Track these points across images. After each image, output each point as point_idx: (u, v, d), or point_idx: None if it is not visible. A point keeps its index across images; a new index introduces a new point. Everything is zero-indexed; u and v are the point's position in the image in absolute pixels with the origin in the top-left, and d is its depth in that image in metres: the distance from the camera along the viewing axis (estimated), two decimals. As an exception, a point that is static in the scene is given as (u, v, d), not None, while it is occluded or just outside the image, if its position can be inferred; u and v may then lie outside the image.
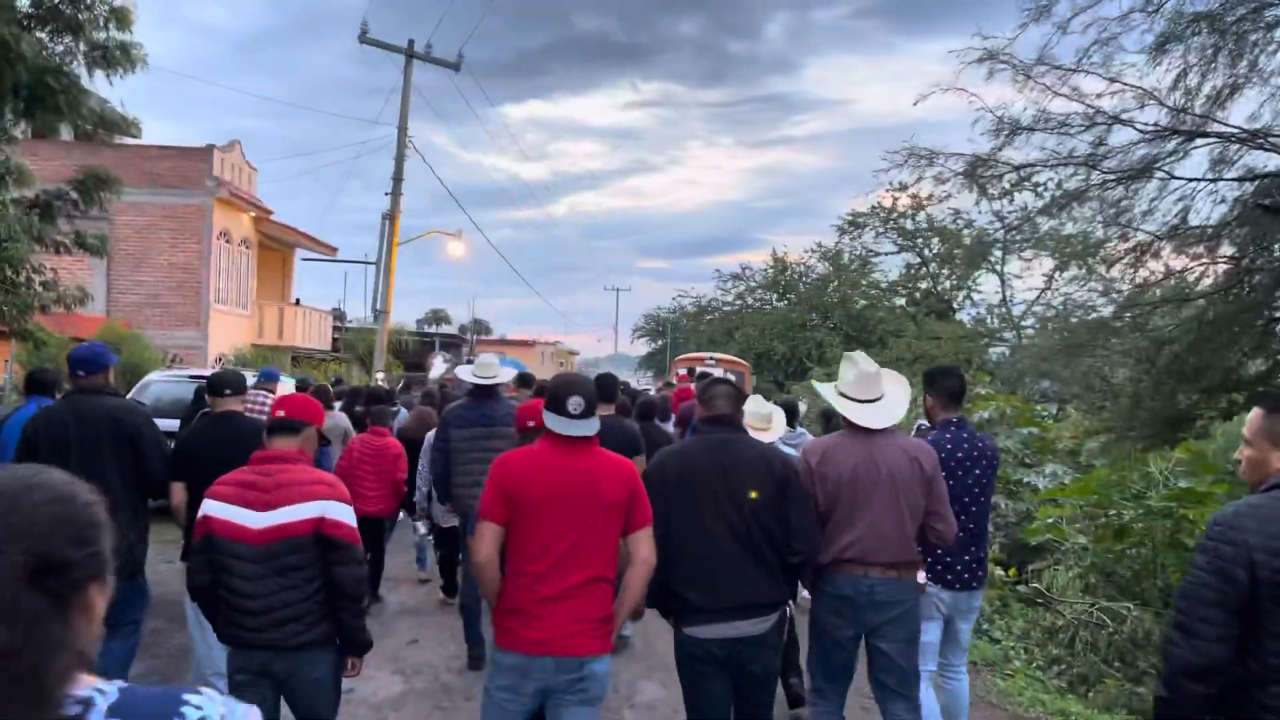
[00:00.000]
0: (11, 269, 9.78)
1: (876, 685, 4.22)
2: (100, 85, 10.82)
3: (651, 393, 12.40)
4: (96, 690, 1.11)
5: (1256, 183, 5.72)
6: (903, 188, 24.36)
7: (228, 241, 23.43)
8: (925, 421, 5.38)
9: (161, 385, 12.08)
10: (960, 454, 4.62)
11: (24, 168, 10.46)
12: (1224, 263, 6.42)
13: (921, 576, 4.33)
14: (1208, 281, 6.79)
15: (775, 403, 7.43)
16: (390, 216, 23.45)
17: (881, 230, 32.83)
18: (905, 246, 32.98)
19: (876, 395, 4.22)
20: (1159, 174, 6.03)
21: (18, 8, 9.52)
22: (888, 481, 4.04)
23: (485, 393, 6.41)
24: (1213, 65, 6.39)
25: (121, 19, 10.49)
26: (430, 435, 7.98)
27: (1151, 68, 6.57)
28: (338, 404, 10.15)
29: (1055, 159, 6.13)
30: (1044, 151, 6.17)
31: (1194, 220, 6.17)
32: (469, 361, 13.84)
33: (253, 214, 24.81)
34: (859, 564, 4.03)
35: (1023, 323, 25.22)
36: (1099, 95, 6.19)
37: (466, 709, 5.72)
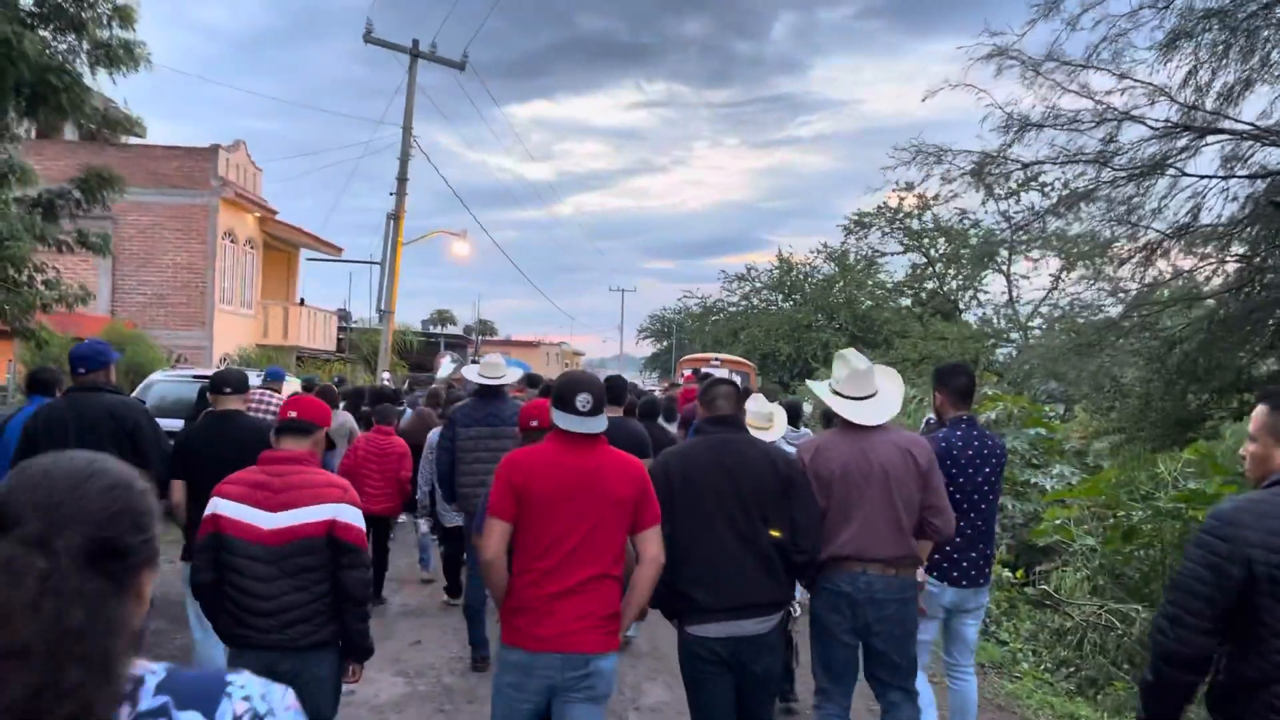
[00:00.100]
0: (14, 268, 9.75)
1: (873, 679, 4.23)
2: (105, 85, 10.81)
3: (656, 393, 12.37)
4: (147, 670, 1.15)
5: (1269, 180, 5.65)
6: (909, 187, 24.36)
7: (232, 241, 23.42)
8: (933, 416, 5.35)
9: (165, 385, 12.05)
10: (971, 451, 4.63)
11: (27, 166, 10.43)
12: (1235, 262, 6.34)
13: (920, 574, 4.32)
14: (1217, 281, 6.70)
15: (780, 403, 7.41)
16: (395, 216, 23.44)
17: (887, 230, 32.78)
18: (911, 246, 32.91)
19: (870, 392, 4.23)
20: (1170, 172, 5.94)
21: (20, 6, 9.49)
22: (880, 476, 4.04)
23: (491, 392, 6.40)
24: (1224, 62, 6.31)
25: (124, 17, 10.47)
26: (433, 435, 7.96)
27: (1162, 64, 6.50)
28: (341, 404, 10.11)
29: (1065, 156, 6.06)
30: (1054, 149, 6.11)
31: (1205, 219, 6.10)
32: (475, 362, 13.81)
33: (258, 214, 24.81)
34: (856, 560, 4.04)
35: (1029, 323, 25.11)
36: (1109, 92, 6.13)
37: (469, 711, 5.67)
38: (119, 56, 10.36)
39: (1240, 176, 5.72)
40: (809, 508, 3.91)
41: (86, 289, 11.27)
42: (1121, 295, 7.92)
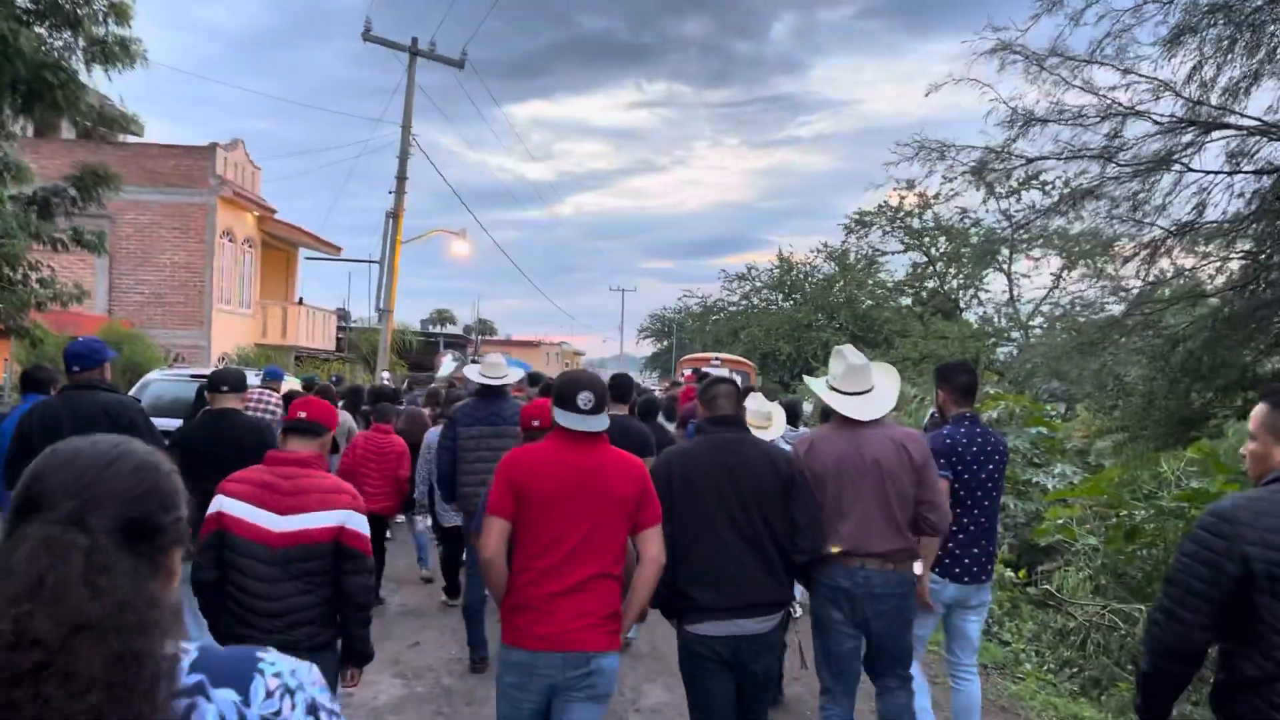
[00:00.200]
0: (8, 266, 9.69)
1: (869, 668, 4.26)
2: (102, 83, 10.75)
3: (656, 393, 12.34)
4: (180, 649, 1.16)
5: (1276, 175, 5.59)
6: (910, 185, 24.29)
7: (231, 240, 23.36)
8: (936, 411, 5.33)
9: (162, 384, 11.96)
10: (975, 448, 4.64)
11: (22, 164, 10.38)
12: (1239, 258, 6.28)
13: (917, 568, 4.31)
14: (1221, 279, 6.64)
15: (779, 403, 7.37)
16: (394, 214, 23.39)
17: (888, 229, 32.71)
18: (912, 245, 32.84)
19: (866, 388, 4.24)
20: (1175, 168, 5.88)
21: (16, 3, 9.43)
22: (873, 470, 4.06)
23: (493, 392, 6.37)
24: (1229, 57, 6.25)
25: (120, 14, 10.41)
26: (430, 434, 7.91)
27: (1166, 60, 6.44)
28: (340, 402, 10.05)
29: (1070, 152, 6.00)
30: (1058, 144, 6.04)
31: (1210, 215, 6.04)
32: (474, 361, 13.75)
33: (256, 213, 24.75)
34: (854, 555, 4.05)
35: (1030, 322, 25.05)
36: (1113, 88, 6.06)
37: (467, 713, 5.62)
38: (115, 53, 10.30)
39: (1246, 172, 5.66)
40: (809, 507, 3.91)
41: (81, 287, 11.20)
42: (1123, 294, 7.86)
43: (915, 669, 4.60)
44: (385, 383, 16.62)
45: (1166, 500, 8.67)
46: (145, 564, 1.13)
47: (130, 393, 10.71)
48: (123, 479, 1.15)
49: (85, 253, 11.29)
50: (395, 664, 6.43)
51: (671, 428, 8.58)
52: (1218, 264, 6.22)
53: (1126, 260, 6.17)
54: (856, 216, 33.64)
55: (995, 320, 28.38)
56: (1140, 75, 6.05)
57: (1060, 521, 9.40)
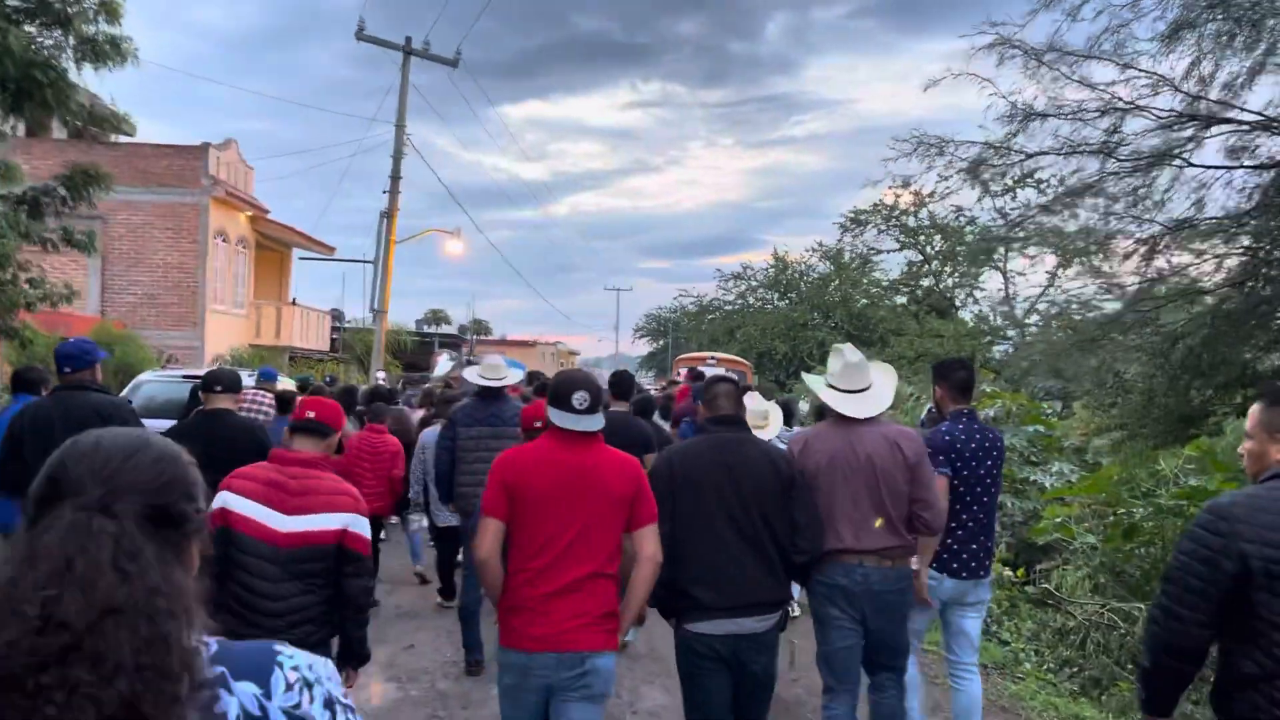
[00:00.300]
0: (-2, 265, 9.60)
1: (864, 666, 4.27)
2: (94, 83, 10.68)
3: (652, 391, 12.32)
4: (201, 640, 1.16)
5: (1276, 171, 5.54)
6: (905, 184, 24.23)
7: (224, 241, 23.25)
8: (933, 407, 5.32)
9: (154, 385, 11.87)
10: (974, 445, 4.66)
11: (11, 163, 10.29)
12: (1239, 255, 6.23)
13: (913, 563, 4.34)
14: (1220, 276, 6.59)
15: (775, 402, 7.34)
16: (388, 214, 23.31)
17: (883, 228, 32.66)
18: (907, 244, 32.82)
19: (863, 385, 4.27)
20: (1176, 163, 5.84)
21: (6, 2, 9.35)
22: (867, 468, 4.08)
23: (492, 393, 6.35)
24: (1227, 52, 6.20)
25: (111, 12, 10.32)
26: (426, 434, 7.86)
27: (1165, 56, 6.39)
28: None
29: (1069, 147, 5.95)
30: (1057, 139, 5.99)
31: (1209, 212, 6.00)
32: (470, 362, 13.66)
33: (249, 213, 24.64)
34: (851, 553, 4.07)
35: (1026, 320, 25.02)
36: (1112, 83, 6.01)
37: (463, 717, 5.56)
38: (105, 52, 10.22)
39: (1247, 167, 5.61)
40: (809, 508, 3.91)
41: (71, 288, 11.11)
42: (1117, 291, 7.81)
43: (912, 666, 4.64)
44: (381, 383, 16.54)
45: (1165, 498, 8.64)
46: (170, 552, 1.13)
47: (122, 394, 10.64)
48: (145, 469, 1.16)
49: (77, 253, 11.20)
50: (390, 667, 6.37)
51: (666, 426, 8.57)
52: (1217, 260, 6.17)
53: (1126, 256, 6.12)
54: (852, 215, 33.62)
55: (991, 318, 28.36)
56: (1139, 70, 6.01)
57: (1058, 520, 9.36)
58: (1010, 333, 25.46)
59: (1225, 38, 6.27)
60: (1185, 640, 2.57)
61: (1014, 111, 5.99)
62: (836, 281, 35.75)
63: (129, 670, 1.02)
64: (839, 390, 4.27)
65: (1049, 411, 14.02)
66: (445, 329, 52.08)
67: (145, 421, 5.32)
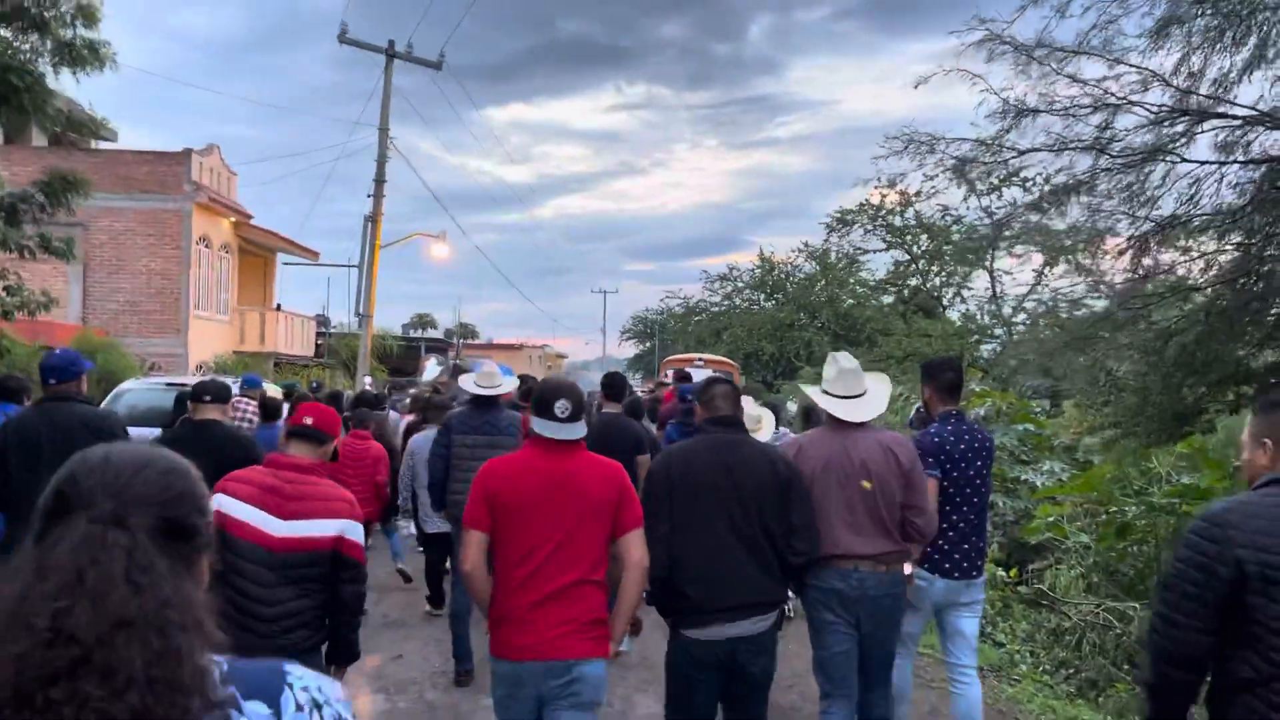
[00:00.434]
0: (-26, 274, 9.46)
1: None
2: (75, 89, 10.55)
3: (640, 393, 12.26)
4: (212, 659, 1.14)
5: (1272, 165, 5.51)
6: (892, 184, 24.21)
7: (207, 247, 23.06)
8: (921, 406, 5.28)
9: (137, 393, 11.73)
10: (963, 445, 4.62)
11: (-12, 170, 10.13)
12: (1232, 250, 6.20)
13: (907, 568, 4.36)
14: (1212, 273, 6.55)
15: (761, 404, 7.30)
16: (372, 218, 23.16)
17: (869, 228, 32.68)
18: (894, 244, 32.83)
19: (859, 391, 4.31)
20: (1170, 158, 5.80)
21: (-19, 6, 9.22)
22: (861, 473, 4.11)
23: (487, 401, 6.27)
24: (1216, 48, 6.16)
25: (88, 16, 10.22)
26: (415, 440, 7.77)
27: (1154, 52, 6.34)
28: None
29: (1061, 143, 5.90)
30: (1049, 136, 5.94)
31: (1202, 208, 5.96)
32: (458, 366, 13.54)
33: (232, 219, 24.46)
34: (847, 558, 4.09)
35: (1014, 319, 25.06)
36: (1103, 79, 5.96)
37: (452, 729, 5.45)
38: (83, 56, 10.11)
39: (1241, 162, 5.58)
40: (806, 510, 3.92)
41: (50, 295, 10.96)
42: (1105, 289, 7.77)
43: (902, 673, 4.65)
44: (367, 388, 16.41)
45: (1157, 496, 8.61)
46: (182, 565, 1.13)
47: (104, 403, 10.50)
48: (156, 482, 1.16)
49: (57, 260, 11.05)
50: (378, 678, 6.26)
51: (653, 429, 8.51)
52: (1209, 257, 6.13)
53: (1120, 253, 6.07)
54: (838, 215, 33.61)
55: (978, 317, 28.39)
56: (1129, 65, 5.97)
57: (1051, 519, 9.32)
58: (998, 331, 25.48)
59: (1214, 33, 6.23)
60: (1185, 648, 2.56)
61: (1006, 108, 5.94)
62: (823, 282, 35.74)
63: (140, 684, 1.01)
64: (834, 396, 4.29)
65: (1038, 410, 14.01)
66: (431, 333, 51.93)
67: (130, 429, 5.22)
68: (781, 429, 7.93)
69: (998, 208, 20.37)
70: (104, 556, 1.06)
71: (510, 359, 33.37)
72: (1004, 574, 9.24)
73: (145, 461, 1.19)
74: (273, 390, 10.81)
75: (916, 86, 6.39)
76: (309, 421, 3.62)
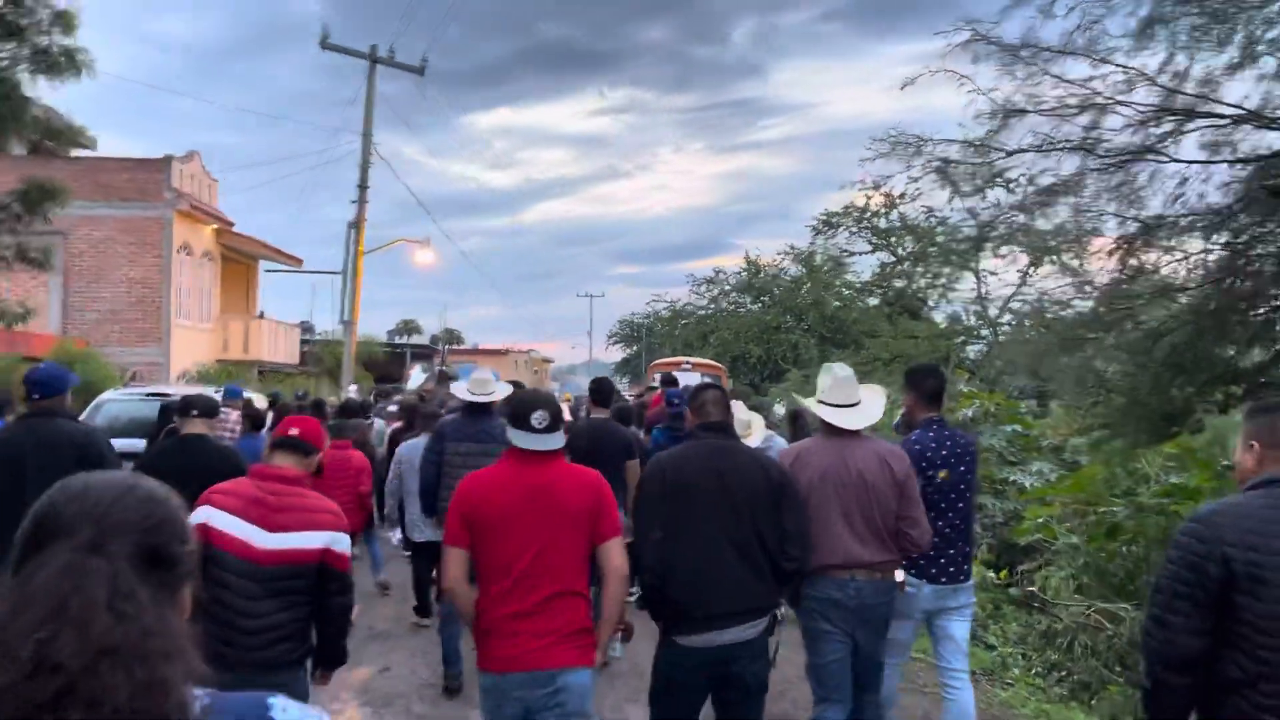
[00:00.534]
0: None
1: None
2: (55, 97, 10.43)
3: (628, 398, 12.21)
4: (194, 694, 1.13)
5: (1260, 164, 5.49)
6: (876, 186, 24.19)
7: (189, 255, 22.87)
8: (906, 412, 5.28)
9: (118, 404, 11.56)
10: (945, 452, 4.66)
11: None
12: (1220, 249, 6.18)
13: (899, 575, 4.38)
14: (1200, 272, 6.53)
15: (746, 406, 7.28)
16: (355, 224, 23.04)
17: (855, 230, 32.69)
18: (879, 245, 32.85)
19: (854, 400, 4.37)
20: (1161, 158, 5.78)
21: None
22: (858, 482, 4.16)
23: (480, 409, 6.21)
24: (1201, 45, 6.14)
25: (66, 24, 10.10)
26: (403, 448, 7.70)
27: (1138, 52, 6.32)
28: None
29: (1049, 143, 5.88)
30: (1037, 136, 5.92)
31: (1189, 207, 5.95)
32: (444, 372, 13.46)
33: (214, 226, 24.28)
34: (844, 568, 4.12)
35: (999, 319, 25.07)
36: (1089, 79, 5.95)
37: (440, 743, 5.37)
38: (60, 64, 9.99)
39: (1229, 161, 5.56)
40: (799, 516, 3.93)
41: (26, 306, 10.81)
42: (1089, 289, 7.74)
43: (893, 678, 4.73)
44: (352, 397, 16.29)
45: (1146, 497, 8.60)
46: (165, 594, 1.12)
47: (84, 414, 10.35)
48: (136, 509, 1.14)
49: (29, 269, 10.91)
50: (364, 691, 6.17)
51: (640, 434, 8.46)
52: (1198, 256, 6.12)
53: (1110, 254, 6.05)
54: (824, 218, 33.61)
55: (964, 318, 28.41)
56: (1115, 65, 5.96)
57: (1040, 520, 9.30)
58: (984, 332, 25.50)
59: (1199, 32, 6.21)
60: (1177, 649, 2.58)
61: (995, 109, 5.91)
62: (809, 284, 35.73)
63: (124, 715, 0.99)
64: (830, 405, 4.34)
65: (1025, 411, 14.00)
66: (417, 339, 51.70)
67: (111, 440, 5.15)
68: (770, 433, 7.91)
69: (982, 209, 20.38)
70: (86, 584, 1.04)
71: (496, 364, 33.23)
72: (994, 576, 9.22)
73: (126, 489, 1.17)
74: (260, 401, 10.71)
75: (903, 88, 6.38)
76: (295, 433, 3.61)
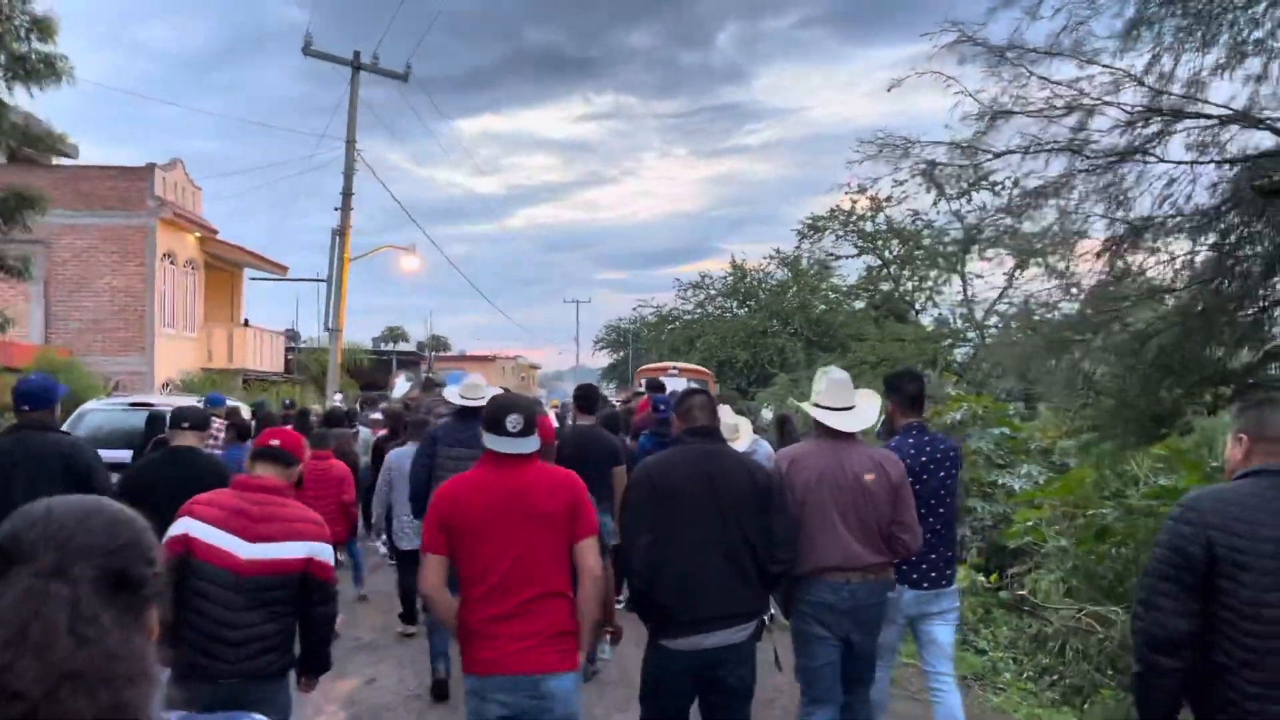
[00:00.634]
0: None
1: (840, 680, 4.32)
2: (38, 105, 10.33)
3: (615, 404, 12.17)
4: (163, 715, 1.13)
5: (1248, 164, 5.47)
6: (861, 190, 24.23)
7: (172, 263, 22.72)
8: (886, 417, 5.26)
9: (100, 414, 11.43)
10: (924, 458, 4.67)
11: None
12: (1207, 250, 6.16)
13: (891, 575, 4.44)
14: (1187, 274, 6.51)
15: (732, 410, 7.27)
16: (340, 231, 22.93)
17: (841, 233, 32.71)
18: (865, 249, 32.89)
19: (849, 404, 4.39)
20: (1149, 159, 5.75)
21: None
22: (854, 485, 4.18)
23: (472, 413, 6.17)
24: (1186, 46, 6.13)
25: (44, 30, 10.01)
26: (392, 455, 7.65)
27: (1124, 53, 6.30)
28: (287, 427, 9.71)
29: (1037, 145, 5.86)
30: (1025, 137, 5.90)
31: (1177, 208, 5.93)
32: (431, 380, 13.38)
33: (198, 234, 24.13)
34: (839, 571, 4.13)
35: (986, 322, 25.12)
36: (1076, 80, 5.93)
37: (427, 755, 5.29)
38: (38, 70, 9.89)
39: (1217, 161, 5.55)
40: (785, 519, 3.95)
41: (6, 316, 10.68)
42: (1076, 292, 7.72)
43: (883, 684, 4.74)
44: (337, 405, 16.17)
45: (1134, 499, 8.58)
46: (129, 617, 1.10)
47: (66, 424, 10.23)
48: (100, 532, 1.13)
49: (8, 278, 10.78)
50: (350, 704, 6.08)
51: (627, 440, 8.42)
52: (1185, 258, 6.10)
53: (1098, 256, 6.02)
54: (810, 222, 33.64)
55: (950, 321, 28.46)
56: (1101, 66, 5.94)
57: (1029, 523, 9.27)
58: (970, 335, 25.54)
59: (1184, 33, 6.19)
60: (1166, 631, 2.60)
61: (982, 110, 5.88)
62: (795, 288, 35.75)
63: None
64: (825, 408, 4.35)
65: (1013, 413, 13.99)
66: (403, 346, 51.52)
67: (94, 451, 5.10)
68: (757, 438, 7.90)
69: (967, 212, 20.41)
70: (47, 609, 1.03)
71: (483, 370, 33.12)
72: (984, 580, 9.19)
73: (89, 511, 1.16)
74: (245, 411, 10.64)
75: (890, 89, 6.35)
76: (275, 443, 3.62)
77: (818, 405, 4.39)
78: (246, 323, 28.46)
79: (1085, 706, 6.56)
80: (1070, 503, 9.33)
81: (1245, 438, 2.79)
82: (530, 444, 3.44)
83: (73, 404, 12.64)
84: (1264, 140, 5.62)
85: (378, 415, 12.86)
